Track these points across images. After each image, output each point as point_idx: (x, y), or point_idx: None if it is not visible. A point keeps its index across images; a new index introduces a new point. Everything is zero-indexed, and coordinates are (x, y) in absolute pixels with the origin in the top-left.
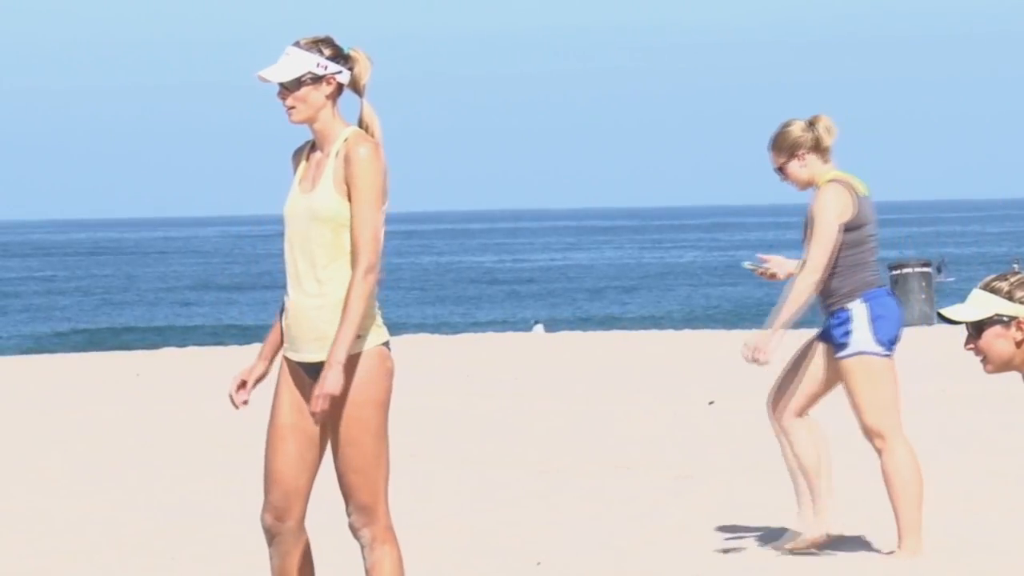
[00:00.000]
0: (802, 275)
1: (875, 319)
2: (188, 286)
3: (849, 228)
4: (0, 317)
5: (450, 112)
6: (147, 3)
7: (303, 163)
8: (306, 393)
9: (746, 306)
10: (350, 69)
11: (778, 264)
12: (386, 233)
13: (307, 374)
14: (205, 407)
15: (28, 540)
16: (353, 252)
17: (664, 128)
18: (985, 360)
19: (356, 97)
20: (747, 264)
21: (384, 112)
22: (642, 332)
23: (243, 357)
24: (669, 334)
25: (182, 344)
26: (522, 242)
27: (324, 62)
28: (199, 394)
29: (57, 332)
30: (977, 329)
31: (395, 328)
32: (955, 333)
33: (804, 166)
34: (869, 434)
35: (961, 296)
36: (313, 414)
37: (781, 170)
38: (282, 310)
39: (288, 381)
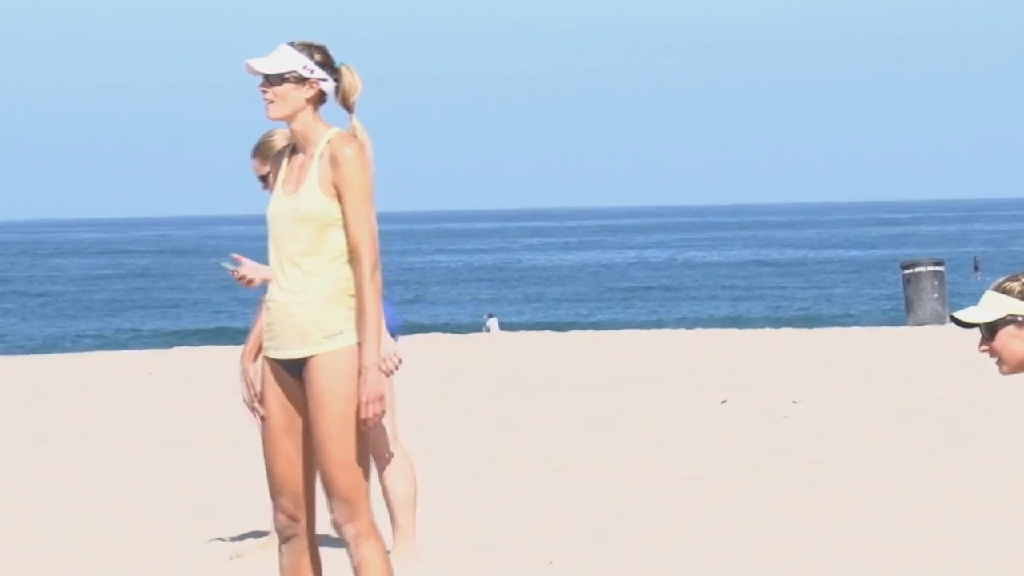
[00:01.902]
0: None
1: None
2: None
3: None
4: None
5: (449, 112)
6: (162, 2)
7: (284, 165)
8: (290, 392)
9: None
10: (336, 81)
11: (251, 269)
12: (382, 232)
13: (289, 372)
14: (216, 406)
15: (38, 539)
16: (354, 253)
17: (664, 128)
18: (1000, 361)
19: (347, 114)
20: (225, 265)
21: (384, 111)
22: (654, 331)
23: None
24: (681, 333)
25: None
26: (530, 242)
27: (312, 66)
28: (210, 393)
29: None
30: (991, 330)
31: (407, 328)
32: (966, 332)
33: None
34: None
35: None
36: (364, 422)
37: (265, 179)
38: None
39: (272, 382)
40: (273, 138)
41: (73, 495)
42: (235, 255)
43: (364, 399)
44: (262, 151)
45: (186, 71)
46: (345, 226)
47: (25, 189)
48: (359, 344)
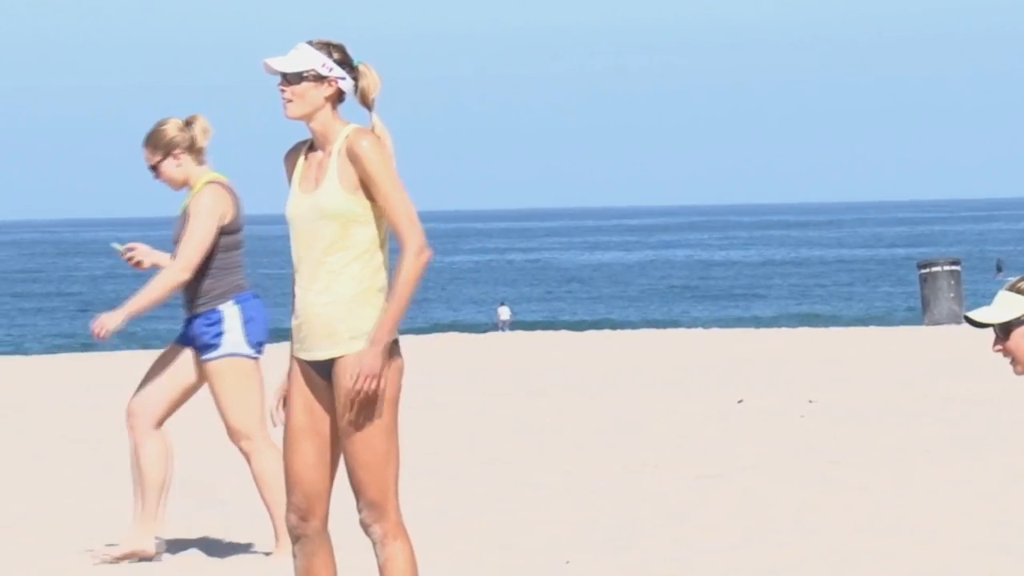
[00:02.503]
0: (171, 270)
1: (247, 322)
2: None
3: (227, 231)
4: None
5: (465, 113)
6: (166, 3)
7: (301, 162)
8: (318, 393)
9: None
10: (355, 79)
11: (144, 253)
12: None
13: (318, 373)
14: None
15: (51, 539)
16: (399, 238)
17: (681, 128)
18: (1014, 361)
19: (367, 112)
20: (116, 245)
21: (402, 111)
22: (671, 331)
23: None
24: (697, 332)
25: None
26: (548, 241)
27: (330, 64)
28: None
29: None
30: (1005, 330)
31: (420, 328)
32: (982, 332)
33: (180, 166)
34: (236, 437)
35: None
36: (358, 393)
37: (155, 168)
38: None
39: (299, 382)
40: (165, 127)
41: (86, 495)
42: (131, 243)
43: (358, 372)
44: (152, 141)
45: (198, 72)
46: (387, 217)
47: (41, 189)
48: (381, 319)
